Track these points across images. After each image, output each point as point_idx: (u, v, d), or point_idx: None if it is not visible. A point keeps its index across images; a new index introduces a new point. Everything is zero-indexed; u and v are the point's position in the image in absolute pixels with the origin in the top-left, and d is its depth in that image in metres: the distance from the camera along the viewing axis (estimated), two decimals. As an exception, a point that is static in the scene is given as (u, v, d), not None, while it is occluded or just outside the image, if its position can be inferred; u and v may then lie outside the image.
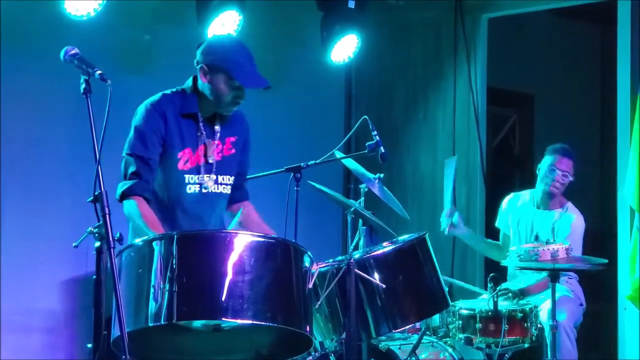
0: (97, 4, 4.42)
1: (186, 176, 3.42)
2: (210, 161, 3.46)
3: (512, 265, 4.27)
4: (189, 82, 3.48)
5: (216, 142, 3.49)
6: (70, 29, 4.46)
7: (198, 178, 3.44)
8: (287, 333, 2.98)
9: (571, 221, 4.68)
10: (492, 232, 5.14)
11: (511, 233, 4.87)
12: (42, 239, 4.76)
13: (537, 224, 4.75)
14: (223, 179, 3.52)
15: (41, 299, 4.81)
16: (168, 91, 3.48)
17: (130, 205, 3.31)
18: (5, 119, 4.57)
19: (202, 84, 3.42)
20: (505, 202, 4.99)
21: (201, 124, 3.45)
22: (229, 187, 3.55)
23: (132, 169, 3.33)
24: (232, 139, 3.56)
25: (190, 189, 3.44)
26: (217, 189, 3.50)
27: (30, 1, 4.56)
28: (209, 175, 3.46)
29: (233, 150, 3.55)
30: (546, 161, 4.75)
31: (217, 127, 3.49)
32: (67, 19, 4.42)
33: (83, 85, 2.71)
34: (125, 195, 3.32)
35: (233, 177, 3.56)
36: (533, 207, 4.83)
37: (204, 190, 3.45)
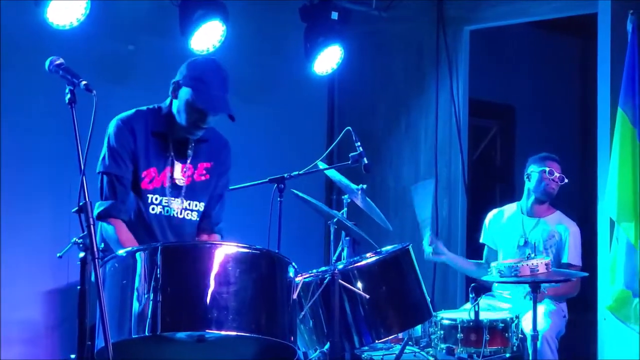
0: (80, 13, 4.41)
1: (149, 196, 3.39)
2: (179, 184, 3.43)
3: (493, 280, 4.30)
4: (167, 101, 3.45)
5: (187, 165, 3.44)
6: (53, 39, 4.44)
7: (164, 200, 3.42)
8: (271, 344, 2.98)
9: (567, 234, 4.78)
10: (473, 243, 5.16)
11: (499, 248, 4.91)
12: (22, 250, 4.71)
13: (530, 231, 4.81)
14: (190, 204, 3.48)
15: (21, 309, 4.75)
16: (143, 107, 3.44)
17: (108, 230, 3.30)
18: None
19: (173, 101, 3.39)
20: (489, 218, 5.03)
21: (170, 145, 3.42)
22: (196, 213, 3.51)
23: (108, 188, 3.31)
24: (207, 164, 3.51)
25: (153, 209, 3.41)
26: (182, 214, 3.47)
27: (12, 11, 4.54)
28: (175, 198, 3.43)
29: (207, 177, 3.51)
30: (537, 168, 4.82)
31: (189, 151, 3.45)
32: (49, 28, 4.39)
33: (68, 96, 2.69)
34: (101, 217, 3.31)
35: (203, 204, 3.52)
36: (523, 216, 4.88)
37: (165, 213, 3.42)
